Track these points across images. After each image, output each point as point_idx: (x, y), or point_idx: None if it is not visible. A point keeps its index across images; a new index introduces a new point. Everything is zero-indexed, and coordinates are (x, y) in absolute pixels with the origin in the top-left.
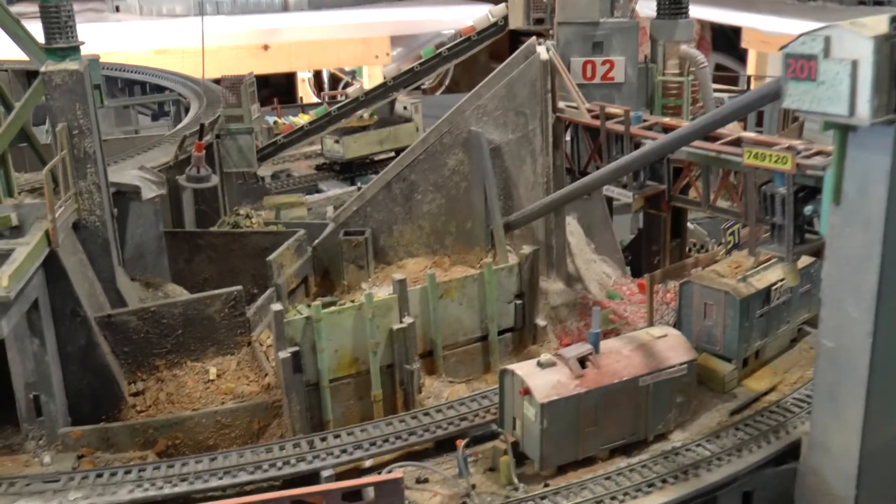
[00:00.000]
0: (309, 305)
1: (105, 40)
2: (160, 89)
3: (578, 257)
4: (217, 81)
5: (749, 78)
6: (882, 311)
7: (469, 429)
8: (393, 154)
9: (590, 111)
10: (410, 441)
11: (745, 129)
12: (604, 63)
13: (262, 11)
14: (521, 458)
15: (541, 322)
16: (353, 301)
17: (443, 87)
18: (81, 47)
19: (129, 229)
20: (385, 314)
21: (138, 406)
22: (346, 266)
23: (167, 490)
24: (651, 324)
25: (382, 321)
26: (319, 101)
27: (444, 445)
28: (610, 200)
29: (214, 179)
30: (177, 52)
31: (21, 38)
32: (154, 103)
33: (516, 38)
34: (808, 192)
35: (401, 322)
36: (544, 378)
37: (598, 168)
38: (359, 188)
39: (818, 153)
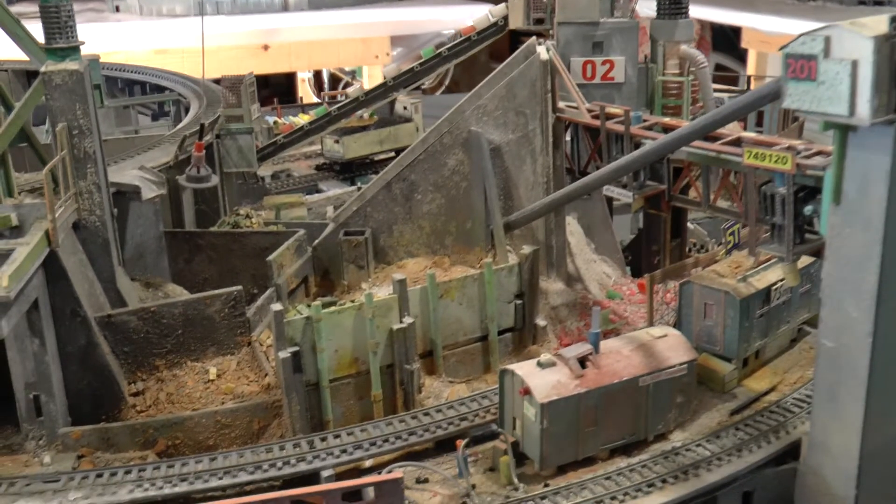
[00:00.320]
0: (309, 305)
1: (105, 40)
2: (160, 89)
3: (578, 257)
4: (217, 81)
5: (749, 78)
6: (882, 311)
7: (469, 429)
8: (393, 154)
9: (590, 111)
10: (410, 441)
11: (745, 129)
12: (604, 63)
13: (262, 11)
14: (521, 458)
15: (541, 322)
16: (353, 301)
17: (443, 87)
18: (81, 47)
19: (129, 229)
20: (385, 314)
21: (138, 406)
22: (346, 266)
23: (167, 490)
24: (651, 324)
25: (382, 321)
26: (319, 101)
27: (444, 445)
28: (610, 200)
29: (214, 179)
30: (177, 52)
31: (21, 37)
32: (154, 103)
33: (516, 38)
34: (808, 192)
35: (401, 322)
36: (544, 378)
37: (598, 168)
38: (359, 188)
39: (818, 153)
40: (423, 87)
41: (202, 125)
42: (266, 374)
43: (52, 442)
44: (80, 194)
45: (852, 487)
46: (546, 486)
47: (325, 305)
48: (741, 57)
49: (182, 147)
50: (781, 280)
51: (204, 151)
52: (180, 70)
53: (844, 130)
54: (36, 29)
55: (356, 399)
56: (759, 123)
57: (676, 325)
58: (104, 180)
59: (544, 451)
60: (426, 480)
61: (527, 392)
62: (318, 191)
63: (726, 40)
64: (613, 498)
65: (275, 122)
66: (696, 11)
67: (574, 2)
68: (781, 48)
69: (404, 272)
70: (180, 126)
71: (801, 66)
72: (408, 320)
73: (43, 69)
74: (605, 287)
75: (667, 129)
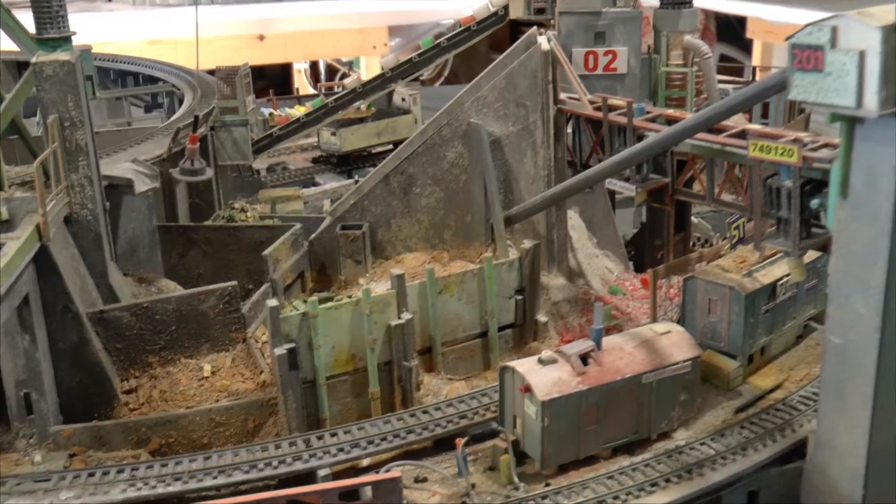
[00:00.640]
0: (305, 301)
1: (97, 30)
2: (153, 80)
3: (580, 252)
4: (211, 72)
5: (754, 69)
6: (890, 307)
7: (468, 427)
8: (391, 146)
9: (592, 103)
10: (409, 439)
11: (750, 121)
12: (606, 53)
13: (257, 1)
14: (521, 456)
15: (542, 318)
16: (350, 296)
17: (442, 79)
18: (73, 37)
19: (121, 223)
20: (383, 310)
21: (131, 404)
22: (342, 261)
23: (160, 489)
24: (654, 320)
25: (380, 317)
26: (316, 92)
27: (443, 444)
28: (612, 194)
29: (209, 172)
30: (170, 43)
31: (11, 28)
32: (147, 95)
33: (517, 28)
34: (815, 185)
35: (399, 318)
36: (545, 375)
37: (600, 161)
38: (356, 181)
39: (825, 146)
40: (421, 78)
41: (196, 117)
42: (261, 372)
43: (43, 440)
44: (71, 188)
45: (859, 487)
46: (547, 485)
47: (321, 301)
48: (746, 47)
49: (176, 139)
50: (787, 275)
51: (198, 144)
52: (174, 61)
53: (851, 122)
54: (27, 19)
55: (353, 396)
56: (765, 115)
57: (680, 321)
58: (96, 173)
59: (545, 449)
60: (425, 480)
61: (527, 389)
62: (315, 184)
63: (731, 30)
64: (616, 497)
65: (270, 114)
66: (701, 1)
67: None
68: (787, 38)
69: (402, 267)
70: (174, 118)
71: (807, 56)
72: (406, 316)
73: (34, 60)
74: (608, 282)
75: (670, 121)
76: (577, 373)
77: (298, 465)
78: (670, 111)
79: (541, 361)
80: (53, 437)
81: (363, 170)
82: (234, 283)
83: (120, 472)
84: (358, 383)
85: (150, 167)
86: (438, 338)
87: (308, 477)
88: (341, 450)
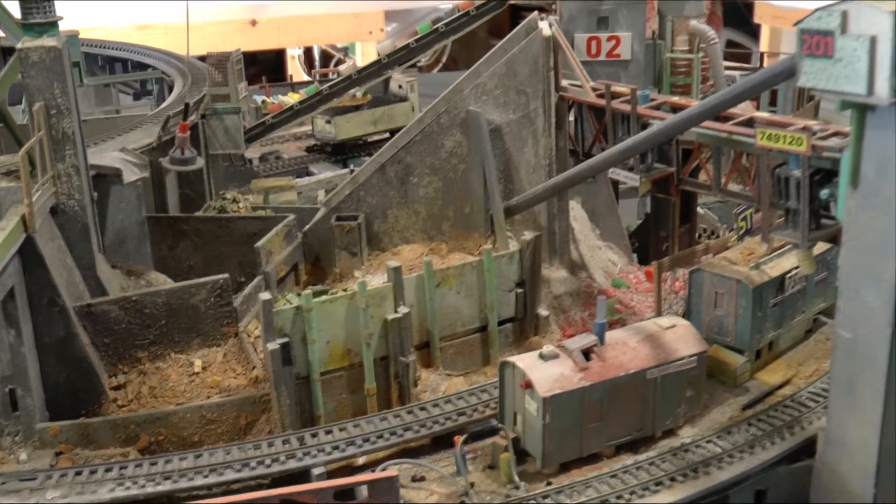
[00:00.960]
0: (299, 294)
1: (84, 15)
2: (142, 67)
3: (582, 244)
4: (202, 59)
5: (762, 55)
6: None
7: (467, 424)
8: (387, 135)
9: (594, 90)
10: (406, 437)
11: (757, 108)
12: (609, 39)
13: None
14: (522, 455)
15: (543, 312)
16: (345, 290)
17: (440, 65)
18: (60, 23)
19: (109, 214)
20: (379, 304)
21: (119, 400)
22: (338, 253)
23: (150, 489)
24: (659, 314)
25: (376, 311)
26: (310, 79)
27: (441, 442)
28: (616, 184)
29: (200, 162)
30: (160, 28)
31: None
32: (136, 82)
33: (517, 13)
34: (825, 174)
35: (396, 312)
36: (547, 371)
37: (603, 150)
38: (351, 171)
39: (835, 134)
40: (419, 64)
41: (187, 105)
42: (254, 367)
43: (28, 438)
44: (58, 177)
45: (870, 485)
46: (548, 484)
47: (315, 294)
48: (754, 33)
49: (165, 128)
50: (796, 268)
51: (188, 132)
52: (164, 47)
53: (862, 110)
54: (12, 4)
55: (349, 393)
56: (773, 103)
57: (686, 314)
58: (83, 163)
59: (546, 447)
60: (422, 478)
61: (528, 385)
62: (309, 174)
63: (738, 15)
64: (619, 497)
65: (263, 102)
66: None
67: None
68: (796, 24)
69: (399, 259)
70: (164, 106)
71: (816, 42)
72: (403, 310)
73: (19, 46)
74: (611, 275)
75: (675, 108)
76: (579, 368)
77: (292, 464)
78: (675, 98)
79: (542, 357)
80: (39, 435)
81: (359, 159)
82: (226, 275)
83: (108, 470)
84: (353, 379)
85: (139, 156)
86: (436, 332)
87: (302, 476)
88: (336, 448)
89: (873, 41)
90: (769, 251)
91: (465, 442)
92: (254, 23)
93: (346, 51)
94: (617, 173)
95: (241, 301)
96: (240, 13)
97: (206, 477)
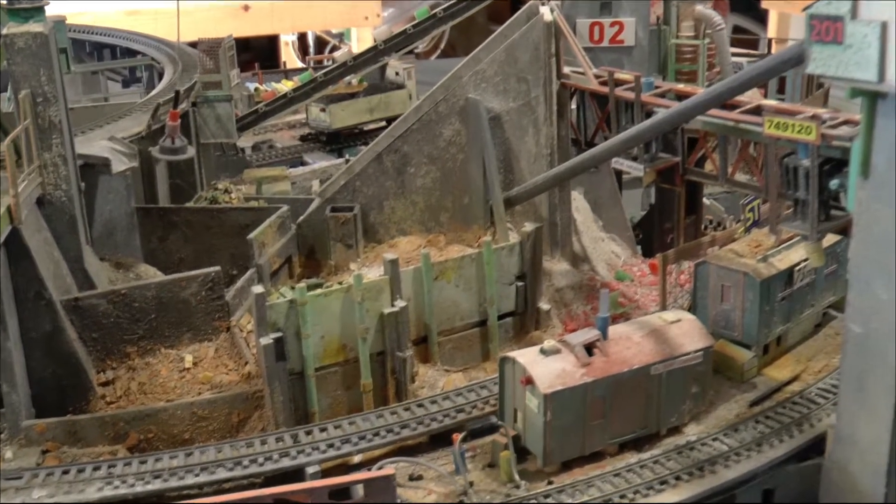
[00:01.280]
0: (293, 287)
1: (72, 0)
2: (132, 53)
3: (585, 235)
4: (193, 45)
5: (770, 41)
6: None
7: (466, 421)
8: (384, 124)
9: (597, 77)
10: (403, 435)
11: (765, 96)
12: (612, 25)
13: None
14: (522, 453)
15: (544, 306)
16: (340, 283)
17: (438, 52)
18: (46, 8)
19: (97, 205)
20: (375, 297)
21: (108, 397)
22: (333, 245)
23: (139, 488)
24: (664, 308)
25: (372, 305)
26: (304, 66)
27: (439, 439)
28: (619, 174)
29: (190, 151)
30: (149, 13)
31: None
32: (125, 68)
33: None
34: (834, 164)
35: (392, 306)
36: (548, 366)
37: (606, 139)
38: (347, 161)
39: (845, 122)
40: (416, 51)
41: (177, 92)
42: (246, 363)
43: (14, 436)
44: (44, 167)
45: (882, 484)
46: (550, 483)
47: (310, 288)
48: (761, 18)
49: (155, 116)
50: (805, 260)
51: (179, 121)
52: (153, 32)
53: (873, 97)
54: None
55: (344, 389)
56: (781, 90)
57: (691, 308)
58: (71, 152)
59: (548, 445)
60: (420, 477)
61: (529, 382)
62: (303, 163)
63: (745, 0)
64: (623, 496)
65: (256, 89)
66: None
67: None
68: (805, 9)
69: (396, 252)
70: (153, 93)
71: (826, 27)
72: (400, 304)
73: (4, 31)
74: (614, 268)
75: (681, 96)
76: (581, 364)
77: (285, 462)
78: (681, 86)
79: (543, 352)
80: (25, 433)
81: (354, 148)
82: (218, 268)
83: (96, 469)
84: (349, 375)
85: (128, 145)
86: (434, 327)
87: (296, 474)
88: (331, 446)
89: (884, 27)
90: (777, 243)
91: (464, 440)
92: (246, 8)
93: (342, 37)
94: (620, 163)
95: (234, 294)
96: None
97: (196, 476)
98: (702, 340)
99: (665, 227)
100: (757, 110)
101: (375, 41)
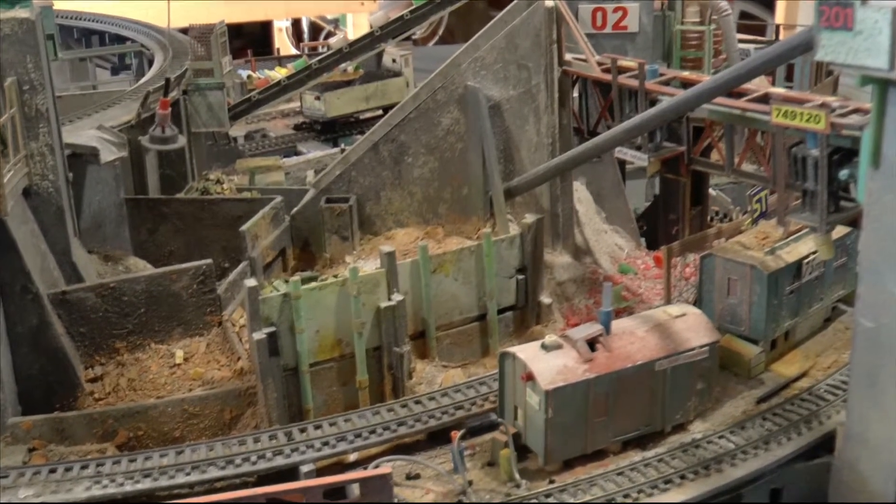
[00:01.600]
0: (287, 281)
1: None
2: (121, 40)
3: (587, 227)
4: (184, 31)
5: (777, 27)
6: None
7: (465, 419)
8: (380, 112)
9: (600, 64)
10: (400, 432)
11: (773, 84)
12: (616, 10)
13: None
14: (523, 451)
15: (545, 299)
16: (335, 276)
17: (436, 38)
18: None
19: (85, 196)
20: (372, 291)
21: (96, 393)
22: (328, 237)
23: (128, 487)
24: (668, 301)
25: (369, 298)
26: (298, 52)
27: (437, 437)
28: (623, 164)
29: (181, 140)
30: None
31: None
32: (114, 55)
33: None
34: (844, 154)
35: (389, 300)
36: (549, 362)
37: (609, 128)
38: (342, 150)
39: (855, 111)
40: (414, 37)
41: (168, 80)
42: (239, 358)
43: None
44: (31, 157)
45: (893, 483)
46: (551, 482)
47: (304, 281)
48: (769, 4)
49: (145, 104)
50: (814, 252)
51: (170, 109)
52: (143, 18)
53: (884, 85)
54: None
55: (339, 385)
56: (789, 78)
57: (697, 302)
58: (58, 141)
59: (549, 443)
60: (417, 476)
61: (529, 378)
62: (297, 153)
63: None
64: (626, 496)
65: (249, 77)
66: None
67: None
68: None
69: (393, 244)
70: (143, 81)
71: (835, 13)
72: (397, 298)
73: None
74: (618, 260)
75: (686, 84)
76: (583, 359)
77: (279, 461)
78: (686, 73)
79: (544, 347)
80: (11, 430)
81: (350, 137)
82: (209, 261)
83: (84, 467)
84: (344, 371)
85: (117, 134)
86: (432, 321)
87: (290, 473)
88: (326, 444)
89: (895, 13)
90: (785, 235)
91: (463, 437)
92: None
93: (337, 22)
94: (624, 153)
95: (226, 288)
96: None
97: (188, 475)
98: (707, 335)
99: (670, 219)
100: (764, 98)
101: (372, 27)
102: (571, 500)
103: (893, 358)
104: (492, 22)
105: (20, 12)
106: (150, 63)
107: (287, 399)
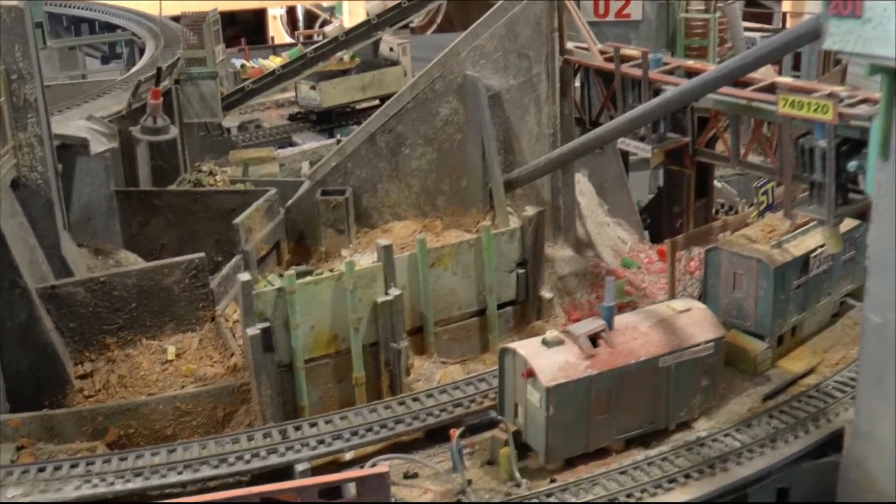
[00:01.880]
0: (281, 275)
1: None
2: (111, 28)
3: (589, 220)
4: (176, 19)
5: (784, 15)
6: None
7: (464, 416)
8: (377, 102)
9: (602, 53)
10: (397, 430)
11: (780, 73)
12: None
13: None
14: (523, 449)
15: (546, 294)
16: (331, 270)
17: (434, 26)
18: None
19: (75, 188)
20: (368, 285)
21: (86, 390)
22: (323, 230)
23: (119, 486)
24: (672, 296)
25: (365, 293)
26: (293, 41)
27: (435, 435)
28: (625, 155)
29: (173, 131)
30: None
31: None
32: (104, 44)
33: None
34: (852, 145)
35: (386, 294)
36: (550, 358)
37: (611, 118)
38: (338, 141)
39: (864, 101)
40: (411, 25)
41: (159, 69)
42: (232, 354)
43: None
44: (19, 148)
45: None
46: (552, 481)
47: (299, 275)
48: None
49: (136, 94)
50: (822, 246)
51: (161, 99)
52: (134, 6)
53: (894, 74)
54: None
55: (335, 382)
56: (797, 67)
57: (701, 297)
58: (47, 132)
59: (550, 441)
60: (415, 475)
61: (530, 374)
62: (292, 144)
63: None
64: (629, 495)
65: (242, 66)
66: None
67: None
68: None
69: (390, 237)
70: (134, 70)
71: (844, 1)
72: (394, 292)
73: None
74: (620, 254)
75: (690, 73)
76: (585, 355)
77: (274, 459)
78: (690, 62)
79: (545, 343)
80: None
81: (346, 128)
82: (202, 254)
83: (73, 466)
84: (340, 367)
85: (107, 125)
86: (430, 316)
87: (284, 472)
88: (322, 442)
89: None
90: (792, 228)
91: (462, 436)
92: None
93: (333, 10)
94: (627, 144)
95: (219, 282)
96: None
97: (180, 474)
98: (713, 331)
99: (674, 212)
100: (771, 88)
101: (368, 15)
102: (573, 500)
103: None
104: (491, 10)
105: (8, 0)
106: (142, 52)
107: (281, 396)
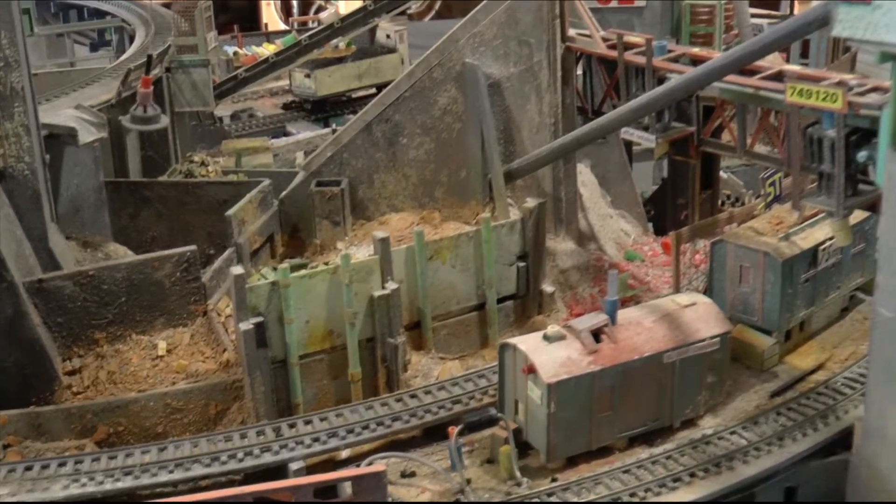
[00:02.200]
0: (275, 268)
1: None
2: (100, 14)
3: (592, 212)
4: (167, 5)
5: (792, 1)
6: None
7: (463, 414)
8: (374, 91)
9: (605, 40)
10: (394, 428)
11: (787, 61)
12: None
13: None
14: (524, 448)
15: (548, 288)
16: (326, 263)
17: (432, 12)
18: None
19: (63, 179)
20: (364, 279)
21: (74, 387)
22: (318, 222)
23: (108, 485)
24: (677, 290)
25: (361, 287)
26: (288, 28)
27: (433, 433)
28: (629, 145)
29: (164, 120)
30: None
31: None
32: (93, 31)
33: None
34: (862, 135)
35: (383, 288)
36: (552, 354)
37: (614, 107)
38: (333, 131)
39: (874, 89)
40: (409, 11)
41: (149, 57)
42: (224, 350)
43: None
44: (5, 138)
45: None
46: (553, 480)
47: (293, 268)
48: None
49: (126, 82)
50: (831, 239)
51: (152, 88)
52: None
53: None
54: None
55: (330, 379)
56: (805, 55)
57: (707, 291)
58: (34, 121)
59: (551, 439)
60: (413, 474)
61: (531, 370)
62: (286, 134)
63: None
64: (633, 494)
65: (235, 54)
66: None
67: None
68: None
69: (387, 229)
70: (124, 58)
71: None
72: (391, 286)
73: None
74: (624, 247)
75: (696, 61)
76: (588, 351)
77: (267, 458)
78: (696, 50)
79: (546, 338)
80: None
81: (342, 117)
82: (194, 247)
83: (62, 465)
84: (336, 363)
85: (96, 114)
86: (428, 311)
87: (278, 471)
88: (317, 440)
89: None
90: (800, 220)
91: (461, 433)
92: None
93: None
94: (630, 133)
95: (211, 276)
96: None
97: (171, 472)
98: (718, 326)
99: (678, 203)
100: (778, 76)
101: (365, 1)
102: (575, 499)
103: None
104: None
105: None
106: (132, 39)
107: (275, 393)
